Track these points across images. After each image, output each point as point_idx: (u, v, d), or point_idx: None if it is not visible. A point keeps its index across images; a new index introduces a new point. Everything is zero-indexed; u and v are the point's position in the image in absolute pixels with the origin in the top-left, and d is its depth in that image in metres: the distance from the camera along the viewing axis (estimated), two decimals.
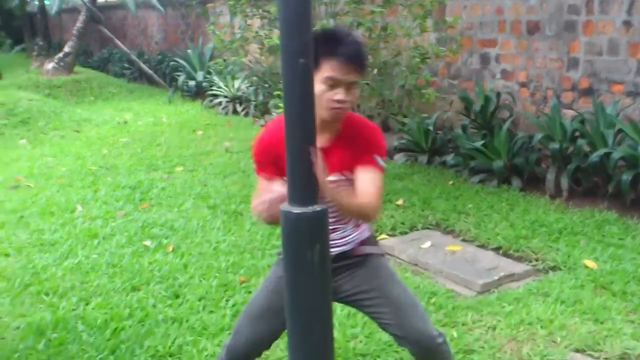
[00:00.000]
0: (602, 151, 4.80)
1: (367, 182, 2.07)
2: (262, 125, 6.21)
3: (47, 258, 4.18)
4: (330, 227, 1.90)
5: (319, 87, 1.99)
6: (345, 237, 2.22)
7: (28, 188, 5.91)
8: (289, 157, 1.87)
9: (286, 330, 1.93)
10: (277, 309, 2.12)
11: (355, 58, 2.02)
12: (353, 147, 2.11)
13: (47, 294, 3.67)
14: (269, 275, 2.32)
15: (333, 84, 2.01)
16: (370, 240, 2.31)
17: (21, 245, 4.44)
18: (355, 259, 2.25)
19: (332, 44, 2.01)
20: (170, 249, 4.28)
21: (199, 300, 3.51)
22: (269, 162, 2.13)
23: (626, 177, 4.58)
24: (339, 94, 2.02)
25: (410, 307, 2.19)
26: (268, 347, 2.31)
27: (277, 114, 5.37)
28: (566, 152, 5.12)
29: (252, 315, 2.26)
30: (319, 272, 1.92)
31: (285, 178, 1.83)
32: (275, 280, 2.21)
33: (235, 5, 5.63)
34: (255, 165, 2.19)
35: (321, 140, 1.96)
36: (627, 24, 5.10)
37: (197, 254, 4.16)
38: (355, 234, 2.25)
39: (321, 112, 2.00)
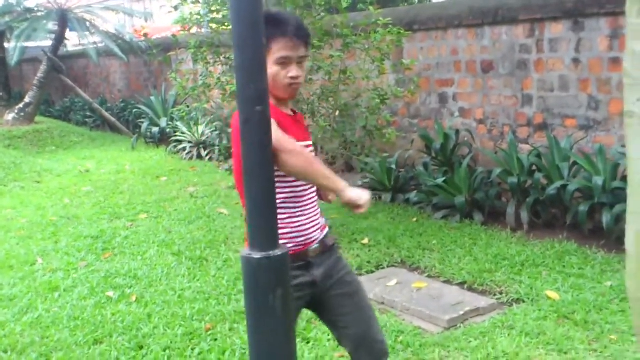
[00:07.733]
0: (558, 184, 4.93)
1: None
2: (226, 170, 6.20)
3: (5, 314, 4.07)
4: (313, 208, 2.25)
5: (273, 68, 2.09)
6: (317, 219, 2.31)
7: None
8: (249, 203, 1.89)
9: None
10: None
11: (301, 33, 2.14)
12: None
13: (5, 352, 3.56)
14: None
15: (286, 62, 2.12)
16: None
17: None
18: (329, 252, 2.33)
19: (277, 24, 2.11)
20: (134, 298, 4.21)
21: (164, 350, 3.45)
22: None
23: (583, 208, 4.71)
24: (293, 71, 2.13)
25: (374, 319, 2.36)
26: None
27: None
28: (524, 185, 5.24)
29: None
30: (281, 316, 1.92)
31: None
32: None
33: (196, 52, 5.69)
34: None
35: (288, 111, 2.24)
36: (576, 61, 5.31)
37: (161, 303, 4.10)
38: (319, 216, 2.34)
39: (279, 92, 2.15)
